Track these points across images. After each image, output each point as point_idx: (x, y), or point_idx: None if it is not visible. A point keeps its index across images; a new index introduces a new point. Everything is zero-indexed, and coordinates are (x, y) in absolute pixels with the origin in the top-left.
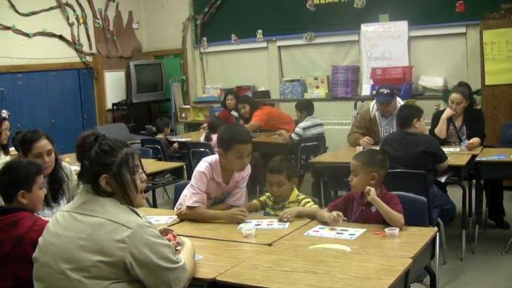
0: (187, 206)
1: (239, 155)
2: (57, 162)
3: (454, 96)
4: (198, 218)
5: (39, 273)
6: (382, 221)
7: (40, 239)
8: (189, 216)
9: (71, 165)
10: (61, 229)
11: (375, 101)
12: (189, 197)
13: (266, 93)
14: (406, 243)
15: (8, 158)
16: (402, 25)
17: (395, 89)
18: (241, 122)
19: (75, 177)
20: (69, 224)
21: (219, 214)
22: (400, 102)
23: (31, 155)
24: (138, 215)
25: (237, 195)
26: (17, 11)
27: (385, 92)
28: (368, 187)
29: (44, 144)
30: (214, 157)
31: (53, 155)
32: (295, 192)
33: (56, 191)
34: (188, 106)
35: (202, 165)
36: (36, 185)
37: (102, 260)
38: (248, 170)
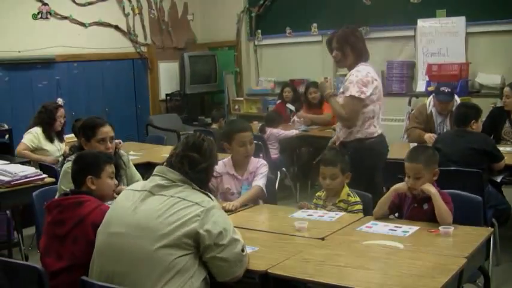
0: None
1: (241, 144)
2: (116, 149)
3: (505, 89)
4: None
5: (106, 244)
6: (433, 219)
7: (108, 213)
8: None
9: (127, 154)
10: (134, 204)
11: (431, 97)
12: None
13: None
14: (460, 242)
15: (62, 145)
16: (460, 21)
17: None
18: (299, 115)
19: (131, 165)
20: (144, 200)
21: None
22: (457, 100)
23: (95, 140)
24: (210, 197)
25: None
26: (74, 1)
27: (447, 90)
28: (422, 187)
29: (109, 129)
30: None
31: (114, 142)
32: (346, 189)
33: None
34: (241, 98)
35: None
36: (105, 173)
37: (177, 229)
38: (262, 161)
